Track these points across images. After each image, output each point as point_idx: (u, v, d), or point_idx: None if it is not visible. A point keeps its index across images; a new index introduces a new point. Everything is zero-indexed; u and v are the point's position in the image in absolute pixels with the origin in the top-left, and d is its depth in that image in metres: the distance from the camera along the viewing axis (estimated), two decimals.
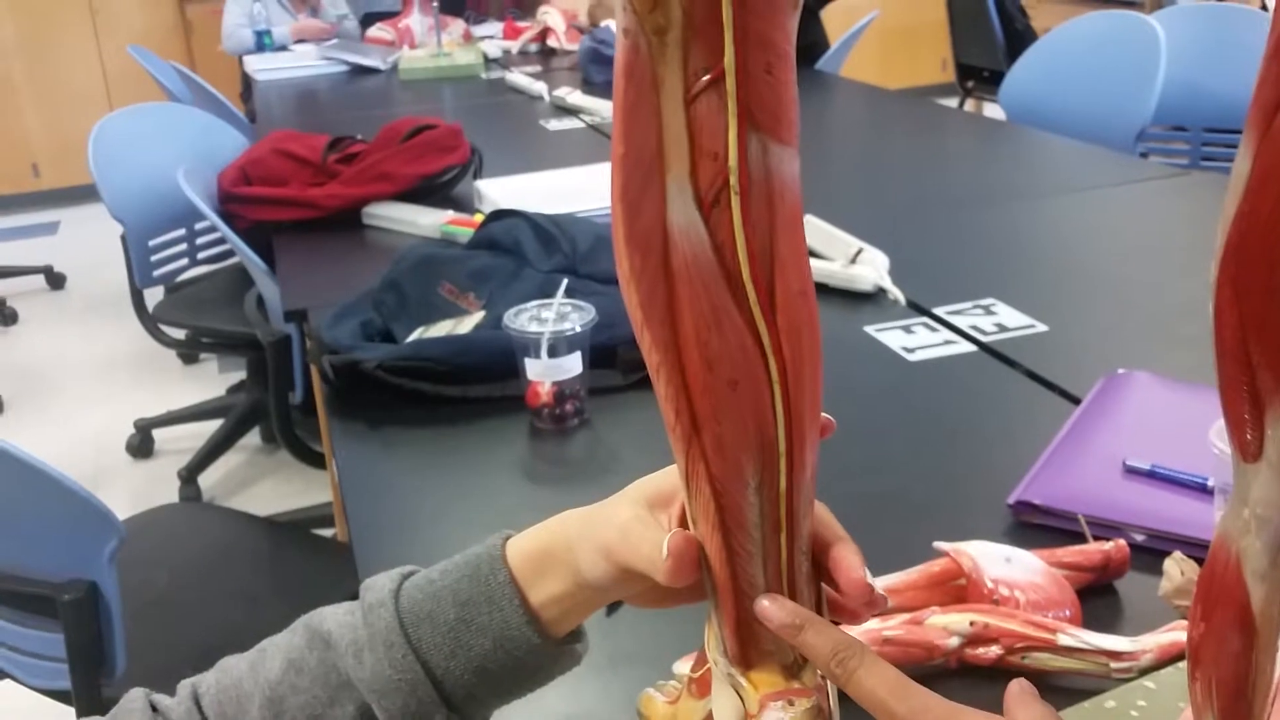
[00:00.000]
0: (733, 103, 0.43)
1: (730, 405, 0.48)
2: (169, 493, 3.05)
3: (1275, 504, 0.51)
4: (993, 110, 3.22)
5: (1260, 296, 0.48)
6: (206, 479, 3.13)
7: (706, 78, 0.43)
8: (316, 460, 2.15)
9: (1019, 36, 4.59)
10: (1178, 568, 0.88)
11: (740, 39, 0.42)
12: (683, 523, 0.56)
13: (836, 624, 0.54)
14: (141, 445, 3.32)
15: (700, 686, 0.58)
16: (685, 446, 0.49)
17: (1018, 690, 0.52)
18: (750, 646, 0.53)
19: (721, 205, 0.44)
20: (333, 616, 0.63)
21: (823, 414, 0.51)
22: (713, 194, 0.44)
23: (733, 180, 0.43)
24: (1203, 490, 1.01)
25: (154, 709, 0.63)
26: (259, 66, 3.97)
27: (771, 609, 0.52)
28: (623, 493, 0.59)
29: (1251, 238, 0.48)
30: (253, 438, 3.32)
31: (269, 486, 3.13)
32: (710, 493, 0.50)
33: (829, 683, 0.53)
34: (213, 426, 3.21)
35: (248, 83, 4.07)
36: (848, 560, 0.53)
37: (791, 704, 0.51)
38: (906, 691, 0.50)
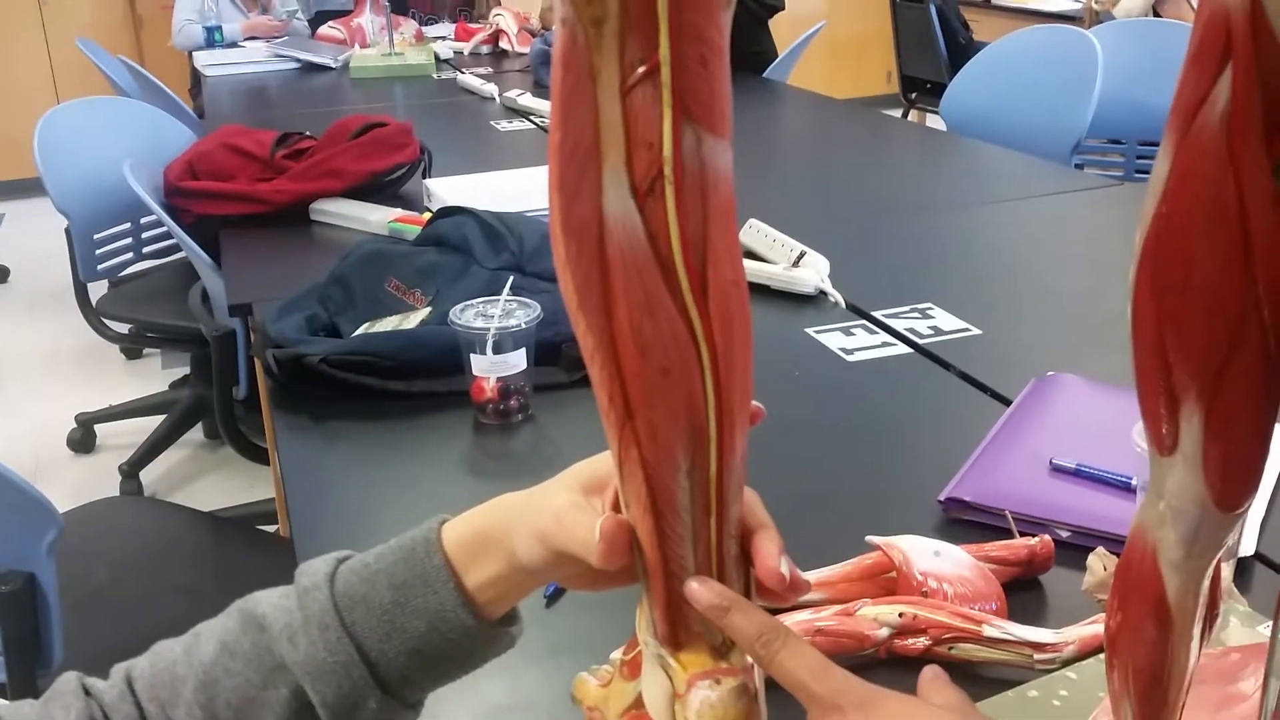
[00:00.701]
0: (667, 93, 0.44)
1: (662, 391, 0.49)
2: (110, 488, 3.02)
3: (1189, 496, 0.53)
4: (935, 122, 3.27)
5: (1176, 295, 0.50)
6: (148, 474, 3.11)
7: (642, 69, 0.44)
8: (260, 456, 2.14)
9: (961, 50, 4.65)
10: (1101, 563, 0.91)
11: (675, 31, 0.43)
12: (616, 507, 0.57)
13: (768, 607, 0.55)
14: (83, 440, 3.29)
15: (631, 668, 0.60)
16: (618, 431, 0.51)
17: (930, 675, 0.54)
18: (679, 628, 0.55)
19: (656, 194, 0.45)
20: (267, 600, 0.64)
21: (753, 402, 0.53)
22: (647, 183, 0.45)
23: (667, 170, 0.45)
24: (1126, 489, 1.04)
25: (87, 692, 0.63)
26: (209, 62, 3.94)
27: (700, 590, 0.53)
28: (558, 478, 0.61)
29: (1168, 237, 0.50)
30: (195, 434, 3.29)
31: (212, 482, 3.11)
32: (642, 476, 0.51)
33: (755, 664, 0.55)
34: (155, 422, 3.17)
35: (197, 79, 4.04)
36: (765, 549, 0.55)
37: (718, 683, 0.53)
38: (827, 673, 0.52)
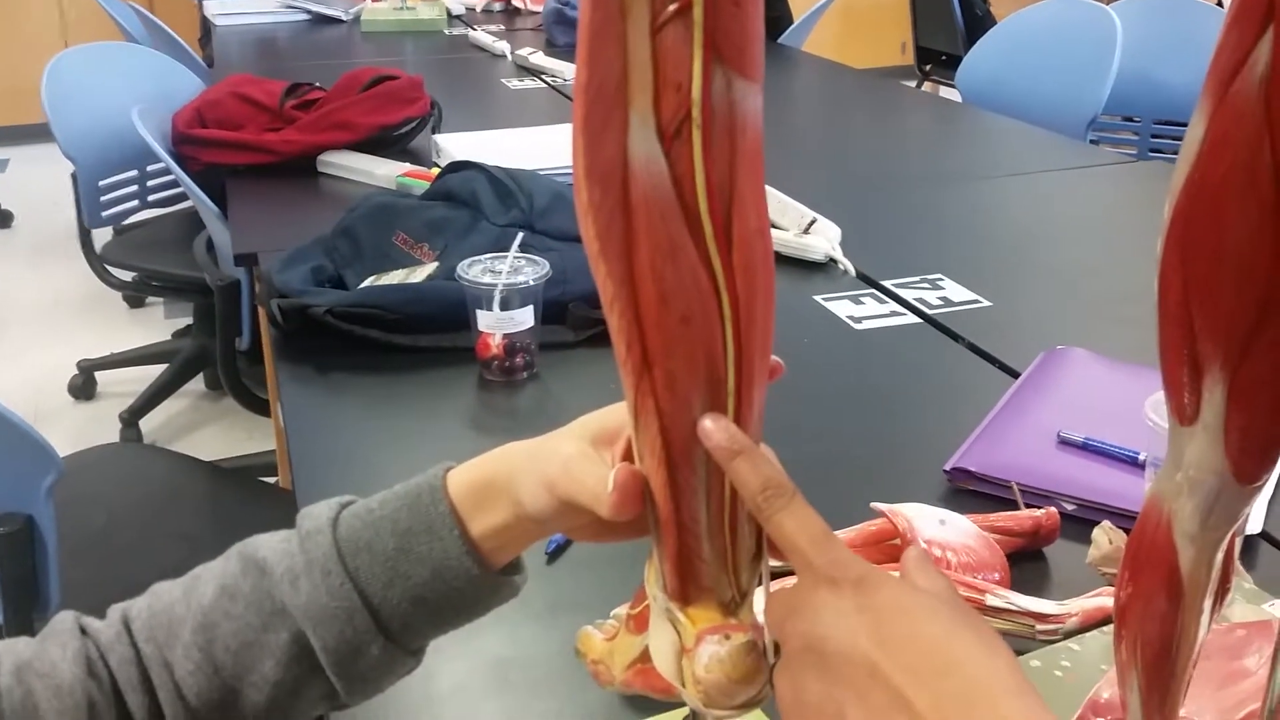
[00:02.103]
0: (699, 33, 0.43)
1: (682, 341, 0.48)
2: (110, 435, 3.01)
3: (1208, 467, 0.53)
4: (949, 94, 3.24)
5: (1206, 262, 0.50)
6: (148, 423, 3.10)
7: (674, 6, 0.43)
8: (261, 407, 2.14)
9: (978, 22, 4.61)
10: (1106, 536, 0.90)
11: None
12: (626, 459, 0.57)
13: (784, 570, 0.54)
14: (84, 387, 3.28)
15: (638, 622, 0.59)
16: (635, 380, 0.50)
17: (915, 555, 0.51)
18: (689, 582, 0.54)
19: (683, 137, 0.45)
20: (268, 544, 0.63)
21: (773, 356, 0.52)
22: (674, 125, 0.44)
23: (695, 112, 0.44)
24: (1134, 463, 1.03)
25: (83, 631, 0.63)
26: (219, 11, 3.91)
27: (711, 429, 0.51)
28: (566, 428, 0.60)
29: (1200, 203, 0.49)
30: (197, 384, 3.28)
31: (212, 433, 3.11)
32: (658, 428, 0.50)
33: (766, 627, 0.54)
34: (156, 371, 3.17)
35: (207, 28, 4.01)
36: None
37: (727, 638, 0.52)
38: (828, 543, 0.50)
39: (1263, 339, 0.49)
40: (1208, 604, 0.57)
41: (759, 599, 0.54)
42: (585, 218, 0.46)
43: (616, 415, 0.59)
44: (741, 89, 0.45)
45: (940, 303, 1.47)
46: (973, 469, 1.04)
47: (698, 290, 0.47)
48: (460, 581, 0.61)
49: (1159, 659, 0.57)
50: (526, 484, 0.59)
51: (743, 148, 0.46)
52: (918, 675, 0.44)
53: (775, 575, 0.55)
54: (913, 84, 5.10)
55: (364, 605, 0.60)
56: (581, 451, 0.57)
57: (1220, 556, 0.57)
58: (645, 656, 0.57)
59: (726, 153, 0.46)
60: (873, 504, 0.94)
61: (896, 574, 0.51)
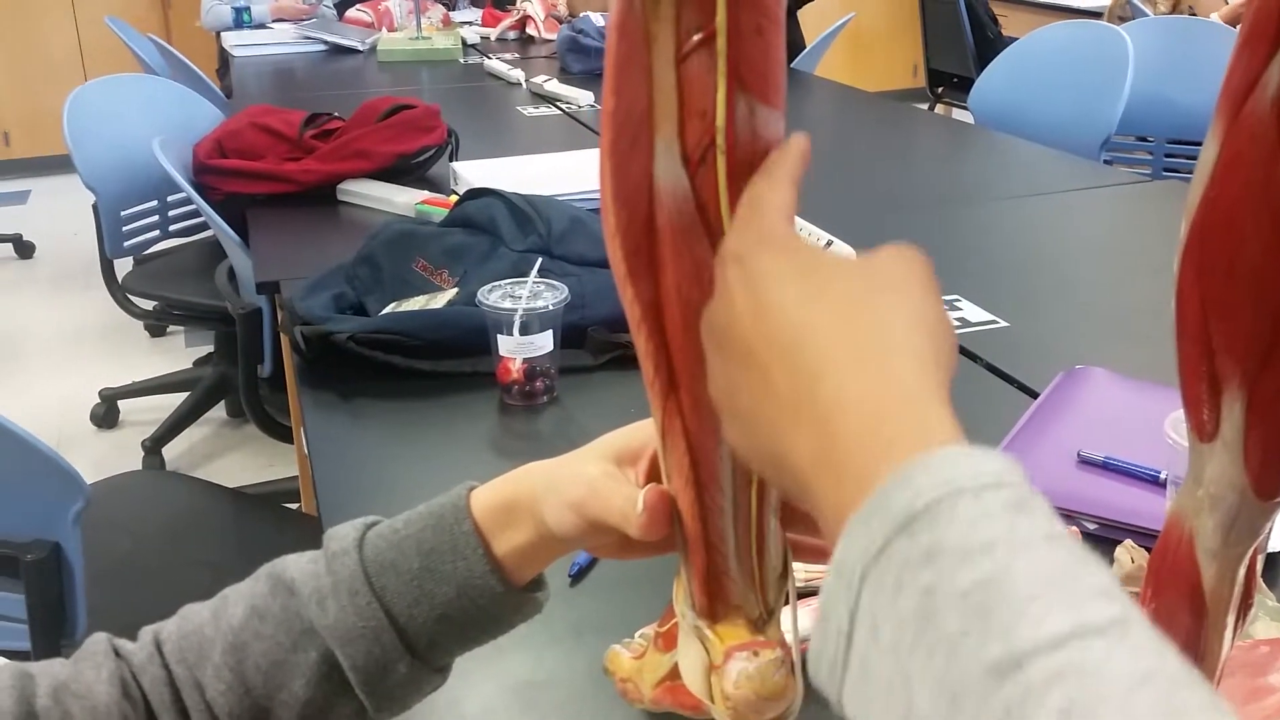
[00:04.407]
0: (723, 62, 0.44)
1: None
2: (133, 463, 3.03)
3: (1229, 483, 0.53)
4: (962, 117, 3.25)
5: (1222, 280, 0.50)
6: (170, 451, 3.12)
7: (698, 36, 0.44)
8: (283, 434, 2.15)
9: (990, 44, 4.63)
10: (1129, 555, 0.90)
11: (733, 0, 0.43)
12: (650, 478, 0.57)
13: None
14: (106, 415, 3.30)
15: (666, 640, 0.60)
16: (663, 402, 0.51)
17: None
18: (718, 600, 0.55)
19: (707, 164, 0.46)
20: (295, 565, 0.64)
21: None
22: (699, 152, 0.45)
23: (719, 140, 0.45)
24: (1155, 482, 1.03)
25: (116, 653, 0.63)
26: (237, 43, 3.95)
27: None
28: (588, 448, 0.61)
29: (1215, 222, 0.50)
30: (218, 411, 3.30)
31: (234, 460, 3.12)
32: (685, 448, 0.51)
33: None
34: (178, 399, 3.19)
35: (225, 59, 4.05)
36: None
37: (756, 655, 0.53)
38: (757, 215, 0.46)
39: None
40: (1230, 620, 0.58)
41: (786, 616, 0.55)
42: (613, 241, 0.47)
43: (638, 434, 0.60)
44: (764, 115, 0.46)
45: (958, 324, 1.48)
46: None
47: None
48: (485, 599, 0.62)
49: None
50: (550, 505, 0.59)
51: None
52: (772, 345, 0.42)
53: (803, 595, 0.56)
54: (925, 106, 5.12)
55: (390, 624, 0.61)
56: (606, 472, 0.58)
57: (1242, 572, 0.57)
58: (674, 674, 0.57)
59: (750, 178, 0.47)
60: None
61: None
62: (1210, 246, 0.51)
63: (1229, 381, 0.52)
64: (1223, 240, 0.50)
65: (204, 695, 0.62)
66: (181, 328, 3.85)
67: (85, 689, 0.60)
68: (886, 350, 0.40)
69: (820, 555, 0.55)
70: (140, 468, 3.01)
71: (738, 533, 0.53)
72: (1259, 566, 0.90)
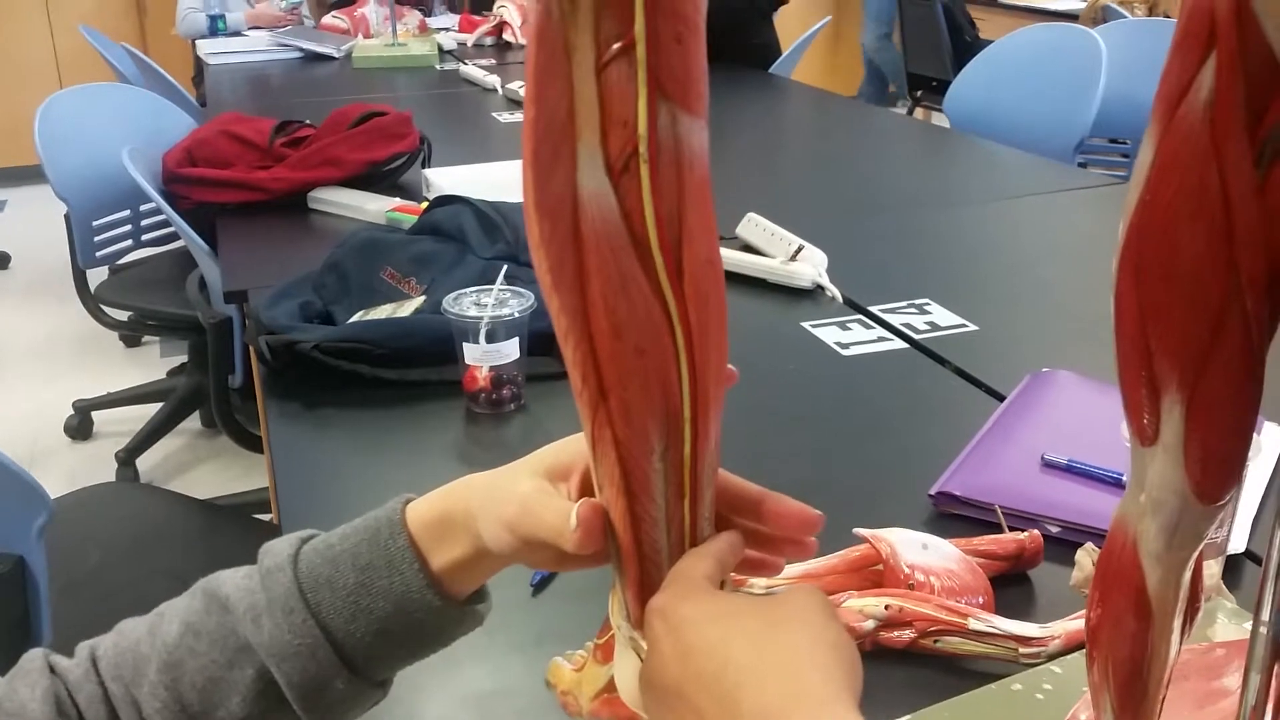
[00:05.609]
0: (643, 71, 0.44)
1: (636, 372, 0.49)
2: (106, 474, 3.01)
3: (1170, 487, 0.53)
4: (940, 120, 3.26)
5: (1158, 283, 0.50)
6: (145, 462, 3.10)
7: (618, 45, 0.43)
8: (256, 444, 2.14)
9: (968, 48, 4.64)
10: (1090, 558, 0.90)
11: (651, 8, 0.43)
12: (583, 492, 0.57)
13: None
14: (80, 426, 3.28)
15: (604, 652, 0.60)
16: (592, 412, 0.50)
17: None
18: None
19: (631, 172, 0.45)
20: (230, 580, 0.63)
21: (727, 365, 0.52)
22: (622, 161, 0.45)
23: (642, 148, 0.44)
24: (1117, 484, 1.03)
25: (52, 670, 0.63)
26: (212, 50, 3.94)
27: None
28: (521, 463, 0.60)
29: (1151, 226, 0.50)
30: (193, 422, 3.29)
31: (208, 471, 3.11)
32: (616, 458, 0.51)
33: None
34: (153, 410, 3.18)
35: (200, 67, 4.04)
36: (784, 501, 0.56)
37: None
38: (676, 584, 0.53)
39: (1218, 358, 0.50)
40: (1177, 624, 0.57)
41: None
42: (537, 252, 0.47)
43: (570, 448, 0.59)
44: (687, 124, 0.45)
45: (927, 327, 1.48)
46: (957, 493, 1.04)
47: (650, 322, 0.48)
48: (423, 614, 0.61)
49: (1130, 680, 0.57)
50: (485, 522, 0.59)
51: (690, 181, 0.46)
52: (699, 679, 0.47)
53: None
54: (903, 110, 5.13)
55: (327, 641, 0.61)
56: (539, 487, 0.57)
57: (1188, 576, 0.57)
58: (612, 686, 0.57)
59: (674, 186, 0.46)
60: (855, 529, 0.94)
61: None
62: (1146, 250, 0.51)
63: (1168, 385, 0.52)
64: (1159, 243, 0.50)
65: (140, 713, 0.61)
66: (156, 338, 3.83)
67: (18, 707, 0.59)
68: (796, 666, 0.46)
69: (755, 567, 0.55)
70: (114, 479, 2.99)
71: (671, 542, 0.53)
72: (1213, 573, 0.90)
